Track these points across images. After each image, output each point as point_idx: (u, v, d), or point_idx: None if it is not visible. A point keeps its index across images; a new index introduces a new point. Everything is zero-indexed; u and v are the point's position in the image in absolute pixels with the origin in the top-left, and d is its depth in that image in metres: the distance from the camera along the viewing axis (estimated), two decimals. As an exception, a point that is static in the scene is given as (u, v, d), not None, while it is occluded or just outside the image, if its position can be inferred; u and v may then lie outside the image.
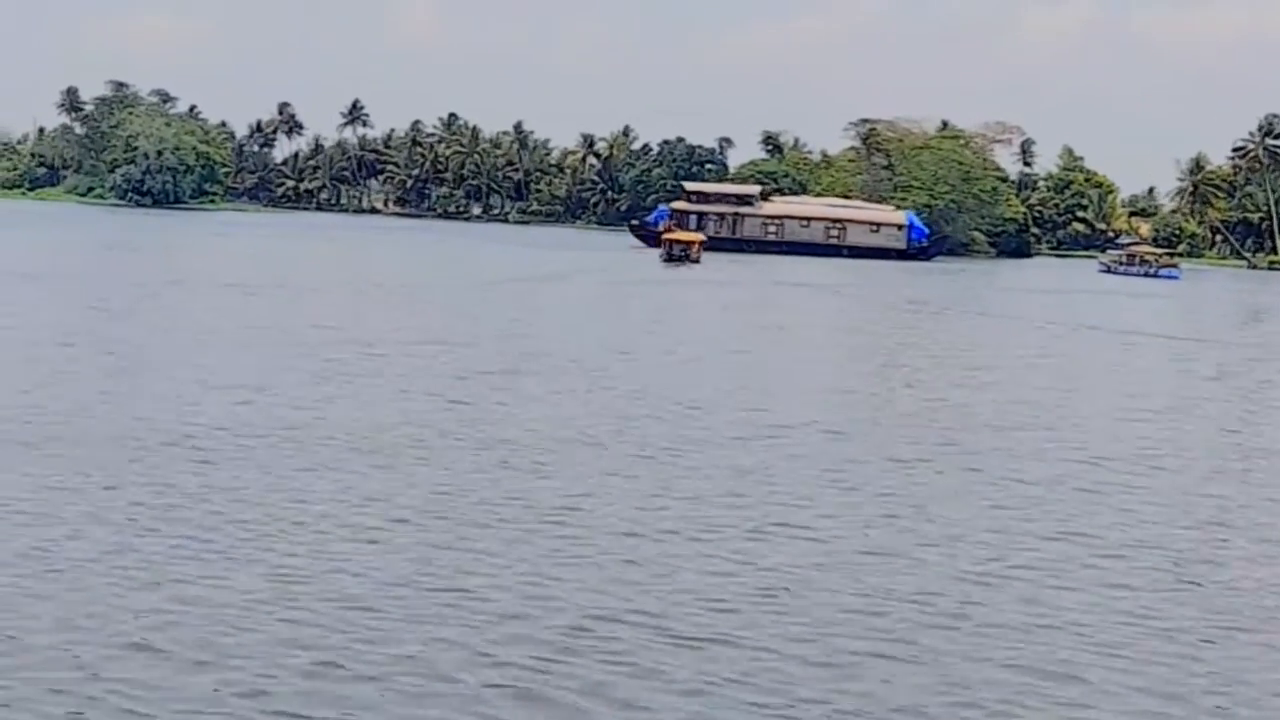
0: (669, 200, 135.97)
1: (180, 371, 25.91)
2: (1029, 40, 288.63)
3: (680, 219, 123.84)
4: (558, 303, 52.34)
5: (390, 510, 15.59)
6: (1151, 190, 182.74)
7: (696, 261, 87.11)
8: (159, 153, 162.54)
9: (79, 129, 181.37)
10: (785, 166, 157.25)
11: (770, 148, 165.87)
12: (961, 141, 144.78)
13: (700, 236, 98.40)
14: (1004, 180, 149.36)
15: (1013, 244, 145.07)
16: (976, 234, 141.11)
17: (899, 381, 31.63)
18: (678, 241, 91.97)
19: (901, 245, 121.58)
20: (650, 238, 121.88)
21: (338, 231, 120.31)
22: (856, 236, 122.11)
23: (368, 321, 38.77)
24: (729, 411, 24.32)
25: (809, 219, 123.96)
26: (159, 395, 22.79)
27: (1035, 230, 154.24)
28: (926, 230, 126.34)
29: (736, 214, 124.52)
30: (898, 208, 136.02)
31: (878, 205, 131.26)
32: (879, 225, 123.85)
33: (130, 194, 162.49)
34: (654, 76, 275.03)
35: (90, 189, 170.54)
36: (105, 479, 16.33)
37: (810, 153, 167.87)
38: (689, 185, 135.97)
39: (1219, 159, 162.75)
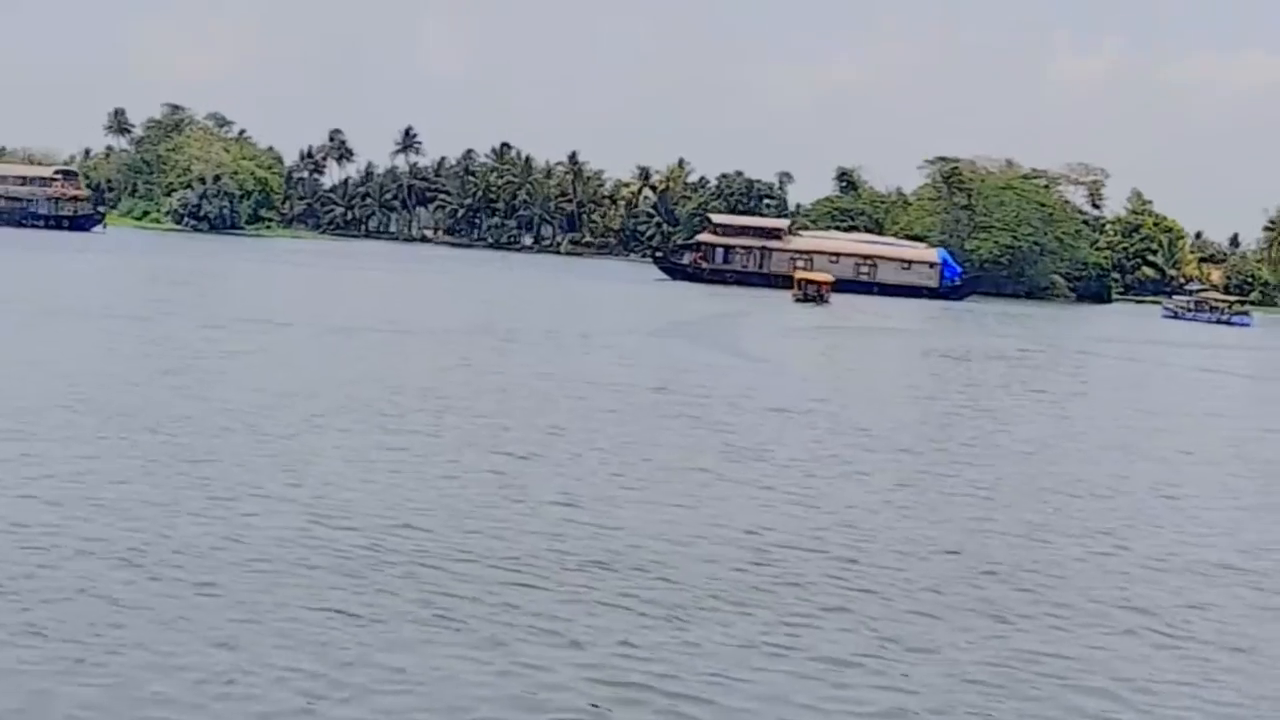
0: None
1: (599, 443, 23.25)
2: (1059, 87, 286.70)
3: (707, 252, 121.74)
4: (784, 355, 49.43)
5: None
6: (1199, 235, 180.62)
7: (827, 302, 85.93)
8: (216, 178, 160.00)
9: (132, 151, 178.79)
10: (861, 204, 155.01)
11: (844, 184, 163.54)
12: (1043, 183, 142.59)
13: (829, 277, 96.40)
14: (1086, 223, 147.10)
15: (1093, 288, 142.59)
16: (1057, 278, 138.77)
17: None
18: (810, 282, 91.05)
19: (934, 284, 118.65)
20: (675, 270, 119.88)
21: (419, 263, 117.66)
22: (887, 274, 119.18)
23: (666, 375, 36.06)
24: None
25: (839, 254, 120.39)
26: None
27: (1116, 275, 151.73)
28: (959, 269, 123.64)
29: (764, 248, 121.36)
30: (978, 248, 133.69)
31: (909, 242, 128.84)
32: (910, 263, 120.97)
33: (186, 219, 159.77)
34: (705, 115, 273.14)
35: (145, 213, 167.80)
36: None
37: (871, 188, 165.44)
38: (715, 218, 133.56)
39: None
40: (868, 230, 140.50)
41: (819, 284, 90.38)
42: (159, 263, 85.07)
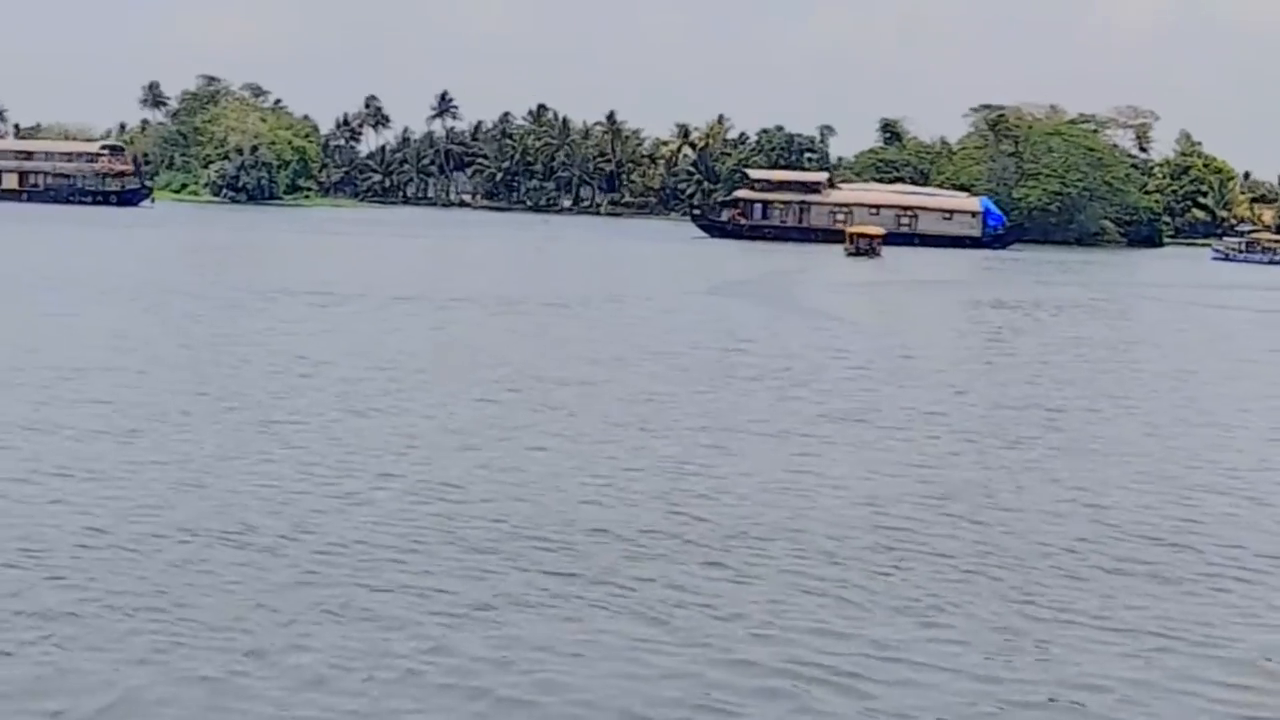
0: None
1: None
2: (1105, 29, 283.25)
3: (745, 208, 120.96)
4: (850, 311, 48.85)
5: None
6: (1249, 175, 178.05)
7: (879, 255, 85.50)
8: (254, 148, 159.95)
9: (169, 124, 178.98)
10: (906, 155, 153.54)
11: (888, 136, 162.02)
12: (1092, 127, 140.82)
13: (881, 230, 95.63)
14: (1135, 167, 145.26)
15: (1144, 233, 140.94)
16: (1107, 223, 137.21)
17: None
18: (862, 235, 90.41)
19: (976, 233, 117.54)
20: (713, 228, 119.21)
21: (461, 228, 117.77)
22: (929, 224, 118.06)
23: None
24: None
25: (879, 206, 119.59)
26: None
27: (1166, 219, 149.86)
28: (1003, 217, 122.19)
29: (803, 202, 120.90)
30: (1026, 196, 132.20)
31: (949, 192, 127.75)
32: (952, 212, 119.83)
33: (225, 190, 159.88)
34: (744, 70, 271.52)
35: (184, 185, 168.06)
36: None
37: (915, 139, 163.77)
38: (753, 173, 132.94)
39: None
40: (913, 181, 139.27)
41: (871, 237, 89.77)
42: (206, 236, 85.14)
